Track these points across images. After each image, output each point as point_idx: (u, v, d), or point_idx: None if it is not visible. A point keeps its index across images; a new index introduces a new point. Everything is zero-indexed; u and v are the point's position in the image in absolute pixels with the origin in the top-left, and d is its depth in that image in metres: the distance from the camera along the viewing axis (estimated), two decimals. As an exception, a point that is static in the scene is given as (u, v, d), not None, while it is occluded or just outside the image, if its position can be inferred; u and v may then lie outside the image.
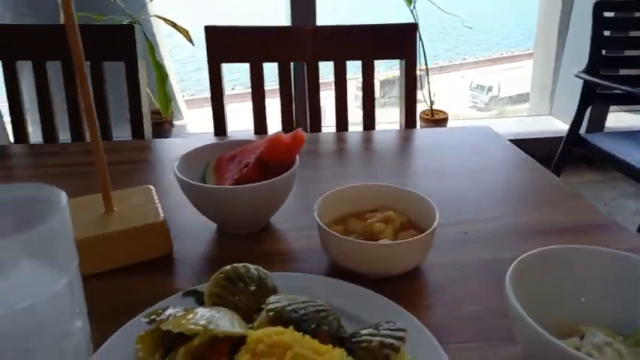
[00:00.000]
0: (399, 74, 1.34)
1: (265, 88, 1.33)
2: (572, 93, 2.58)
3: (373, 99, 1.34)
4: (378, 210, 0.75)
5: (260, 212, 0.77)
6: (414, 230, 0.71)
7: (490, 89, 5.89)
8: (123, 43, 1.25)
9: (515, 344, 0.56)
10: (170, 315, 0.51)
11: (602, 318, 0.52)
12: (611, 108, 3.03)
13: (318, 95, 1.33)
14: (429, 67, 2.91)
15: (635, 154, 1.94)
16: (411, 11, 2.71)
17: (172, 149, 1.18)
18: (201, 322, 0.45)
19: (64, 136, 1.32)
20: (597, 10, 2.13)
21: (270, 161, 0.76)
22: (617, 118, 3.14)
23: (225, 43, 1.29)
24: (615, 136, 2.18)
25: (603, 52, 2.19)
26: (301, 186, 0.84)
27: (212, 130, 1.34)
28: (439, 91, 3.09)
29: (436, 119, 2.93)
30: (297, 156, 0.77)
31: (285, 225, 0.82)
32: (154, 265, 0.71)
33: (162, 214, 0.72)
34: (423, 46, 2.76)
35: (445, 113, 2.99)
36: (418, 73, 1.44)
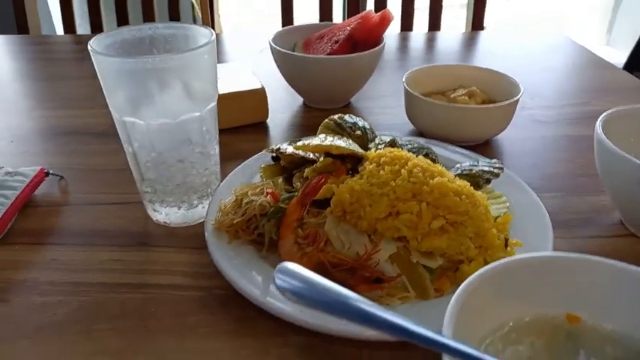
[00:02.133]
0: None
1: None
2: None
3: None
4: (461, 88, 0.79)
5: (348, 85, 0.82)
6: (495, 106, 0.74)
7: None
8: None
9: (596, 195, 0.61)
10: (289, 148, 0.58)
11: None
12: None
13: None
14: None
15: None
16: None
17: (238, 38, 1.23)
18: (327, 143, 0.51)
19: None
20: None
21: (360, 39, 0.80)
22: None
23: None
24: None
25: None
26: (376, 75, 0.88)
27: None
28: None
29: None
30: (384, 36, 0.81)
31: (365, 104, 0.87)
32: (251, 128, 0.78)
33: (260, 83, 0.78)
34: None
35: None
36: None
